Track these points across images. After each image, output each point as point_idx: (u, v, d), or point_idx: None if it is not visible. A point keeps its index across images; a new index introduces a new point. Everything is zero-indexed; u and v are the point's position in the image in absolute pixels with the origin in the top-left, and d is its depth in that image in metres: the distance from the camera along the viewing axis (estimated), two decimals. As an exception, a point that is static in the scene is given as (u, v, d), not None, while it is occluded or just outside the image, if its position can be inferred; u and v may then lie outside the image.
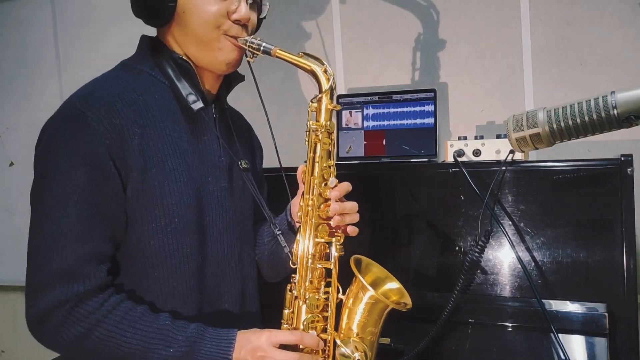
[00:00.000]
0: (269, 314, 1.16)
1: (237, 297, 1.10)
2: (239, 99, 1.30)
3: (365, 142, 1.72)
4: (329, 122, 1.02)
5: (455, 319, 1.31)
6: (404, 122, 1.68)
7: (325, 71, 1.01)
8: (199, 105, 1.01)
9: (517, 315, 1.30)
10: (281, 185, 1.18)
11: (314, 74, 1.01)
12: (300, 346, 0.96)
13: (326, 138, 1.02)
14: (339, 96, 1.77)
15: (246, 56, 1.04)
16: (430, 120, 1.64)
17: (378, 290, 1.01)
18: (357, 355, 0.98)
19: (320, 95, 1.02)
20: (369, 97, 1.72)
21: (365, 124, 1.72)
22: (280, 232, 1.10)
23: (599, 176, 1.29)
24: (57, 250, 0.89)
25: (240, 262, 1.11)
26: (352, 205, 1.04)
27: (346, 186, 1.03)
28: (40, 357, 2.66)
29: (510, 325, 1.30)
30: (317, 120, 1.02)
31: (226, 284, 1.08)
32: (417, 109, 1.67)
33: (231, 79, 1.13)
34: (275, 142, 1.19)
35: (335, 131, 1.05)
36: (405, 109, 1.68)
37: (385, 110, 1.70)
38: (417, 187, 1.48)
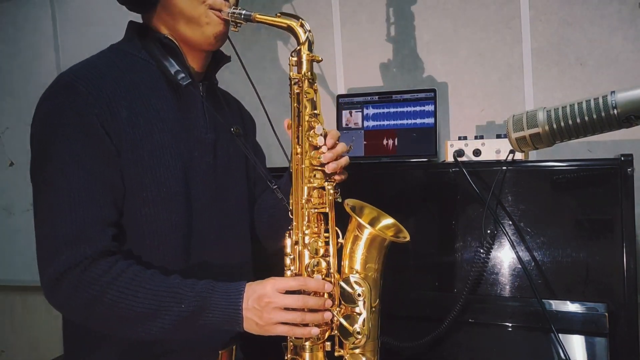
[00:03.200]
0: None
1: (220, 266, 1.11)
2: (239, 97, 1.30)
3: (365, 142, 1.72)
4: (310, 72, 1.05)
5: (455, 319, 1.31)
6: (404, 122, 1.68)
7: (302, 25, 1.05)
8: (186, 80, 1.04)
9: (517, 315, 1.30)
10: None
11: (291, 29, 1.05)
12: (306, 290, 0.98)
13: (308, 87, 1.05)
14: (339, 96, 1.77)
15: (233, 27, 1.07)
16: (430, 120, 1.64)
17: (375, 227, 1.04)
18: (359, 289, 1.00)
19: (299, 47, 1.05)
20: (369, 97, 1.72)
21: (366, 124, 1.72)
22: (276, 186, 1.14)
23: (599, 176, 1.29)
24: (61, 217, 0.91)
25: (220, 234, 1.12)
26: (342, 147, 1.07)
27: (335, 133, 1.07)
28: (40, 357, 2.66)
29: (510, 325, 1.30)
30: (298, 72, 1.05)
31: (208, 255, 1.09)
32: (417, 109, 1.67)
33: (218, 60, 1.16)
34: (278, 138, 1.20)
35: (316, 81, 1.07)
36: (405, 109, 1.68)
37: (385, 110, 1.70)
38: (417, 187, 1.48)
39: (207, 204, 1.09)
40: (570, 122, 0.90)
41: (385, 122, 1.70)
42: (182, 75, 1.04)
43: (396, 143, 1.68)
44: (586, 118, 0.89)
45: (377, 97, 1.72)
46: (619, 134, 1.59)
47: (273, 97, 2.12)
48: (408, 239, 1.06)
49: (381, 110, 1.71)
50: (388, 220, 1.09)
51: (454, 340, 1.33)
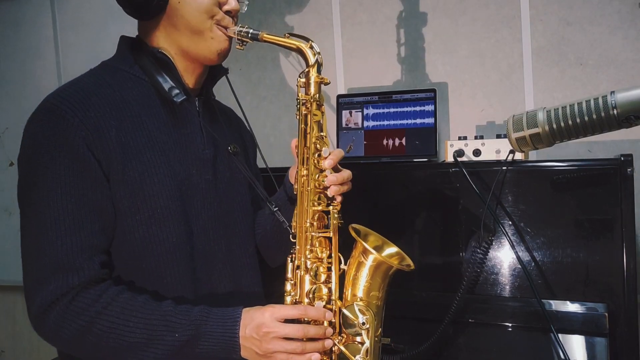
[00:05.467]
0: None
1: (232, 288, 1.09)
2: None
3: (365, 142, 1.72)
4: (317, 95, 1.04)
5: (455, 319, 1.31)
6: (404, 122, 1.68)
7: (311, 47, 1.03)
8: (181, 97, 1.01)
9: (517, 315, 1.30)
10: (271, 187, 1.19)
11: (300, 51, 1.04)
12: (306, 318, 0.95)
13: (316, 110, 1.04)
14: (339, 96, 1.77)
15: (238, 45, 1.06)
16: (430, 120, 1.64)
17: (380, 254, 1.01)
18: (362, 318, 0.97)
19: (307, 69, 1.04)
20: (369, 97, 1.72)
21: (366, 124, 1.72)
22: (277, 208, 1.11)
23: (599, 176, 1.29)
24: (47, 244, 0.89)
25: (229, 253, 1.10)
26: (348, 174, 1.05)
27: (339, 153, 1.05)
28: (40, 357, 2.66)
29: (510, 325, 1.30)
30: (306, 94, 1.04)
31: (217, 276, 1.07)
32: (417, 109, 1.67)
33: (215, 73, 1.14)
34: (256, 141, 1.19)
35: (324, 104, 1.06)
36: (405, 109, 1.68)
37: (385, 110, 1.70)
38: (417, 187, 1.48)
39: (208, 221, 1.06)
40: (570, 122, 0.90)
41: (385, 122, 1.70)
42: (177, 91, 1.01)
43: (396, 143, 1.68)
44: (586, 118, 0.89)
45: (377, 97, 1.72)
46: (619, 134, 1.59)
47: (273, 97, 2.12)
48: (413, 267, 1.03)
49: (381, 110, 1.71)
50: (392, 249, 1.06)
51: (454, 341, 1.33)
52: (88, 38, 2.38)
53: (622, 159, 1.26)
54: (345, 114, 1.75)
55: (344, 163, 1.08)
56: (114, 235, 0.97)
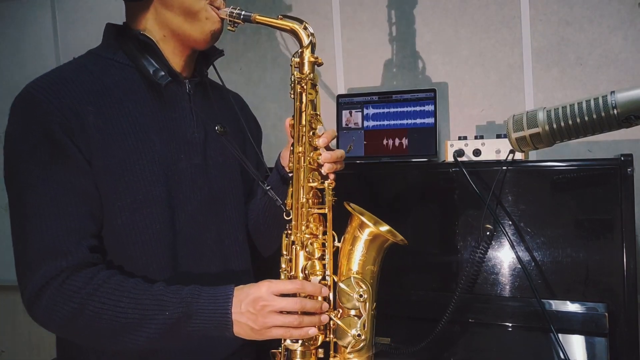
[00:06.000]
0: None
1: (220, 275, 1.08)
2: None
3: (365, 142, 1.72)
4: (312, 74, 1.05)
5: (455, 319, 1.31)
6: (404, 122, 1.68)
7: (305, 28, 1.05)
8: (165, 79, 1.00)
9: (517, 315, 1.30)
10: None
11: (294, 33, 1.05)
12: (302, 294, 0.95)
13: (310, 88, 1.05)
14: (339, 96, 1.77)
15: (230, 26, 1.05)
16: (430, 120, 1.64)
17: (376, 227, 1.02)
18: (360, 290, 0.97)
19: (301, 50, 1.05)
20: (369, 97, 1.72)
21: (366, 123, 1.72)
22: (269, 187, 1.11)
23: (599, 176, 1.29)
24: (34, 230, 0.89)
25: (219, 240, 1.09)
26: (342, 153, 1.06)
27: (332, 133, 1.06)
28: (40, 357, 2.66)
29: (510, 325, 1.30)
30: (301, 73, 1.05)
31: (205, 263, 1.06)
32: (417, 109, 1.67)
33: (209, 55, 1.13)
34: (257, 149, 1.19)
35: (318, 85, 1.08)
36: (405, 109, 1.68)
37: (385, 110, 1.70)
38: (417, 187, 1.48)
39: (198, 207, 1.05)
40: (570, 122, 0.90)
41: (385, 122, 1.70)
42: (162, 73, 1.00)
43: (396, 143, 1.68)
44: (586, 118, 0.89)
45: (377, 97, 1.72)
46: (619, 134, 1.60)
47: (274, 96, 2.12)
48: (406, 242, 1.04)
49: (381, 110, 1.71)
50: (384, 227, 1.07)
51: (454, 340, 1.33)
52: (88, 37, 2.38)
53: (622, 159, 1.26)
54: (345, 114, 1.75)
55: (344, 163, 1.09)
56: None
